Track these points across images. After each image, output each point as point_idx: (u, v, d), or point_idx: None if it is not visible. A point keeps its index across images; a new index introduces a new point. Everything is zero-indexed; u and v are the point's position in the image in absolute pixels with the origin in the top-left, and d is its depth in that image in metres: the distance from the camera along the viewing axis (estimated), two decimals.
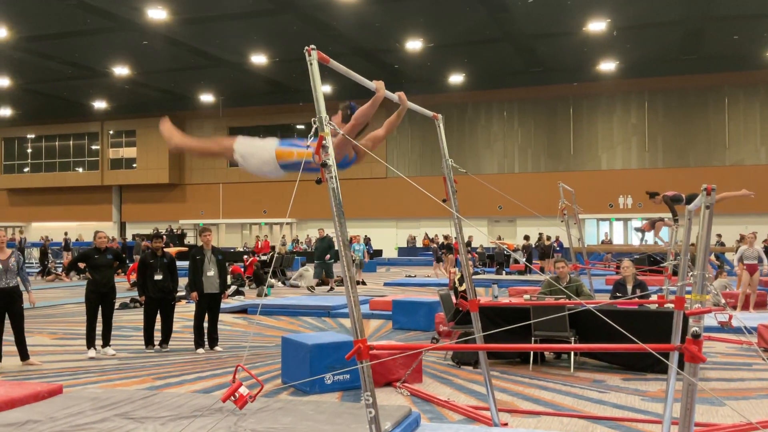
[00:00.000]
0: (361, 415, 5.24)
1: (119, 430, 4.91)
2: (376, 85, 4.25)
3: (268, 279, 19.79)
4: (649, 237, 21.51)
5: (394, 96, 4.58)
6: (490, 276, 22.34)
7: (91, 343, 9.22)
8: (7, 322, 8.49)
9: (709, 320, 9.37)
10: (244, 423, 5.04)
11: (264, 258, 24.13)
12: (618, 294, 9.28)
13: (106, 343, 9.36)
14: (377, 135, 4.61)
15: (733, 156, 34.41)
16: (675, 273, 11.26)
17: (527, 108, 37.57)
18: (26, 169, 46.99)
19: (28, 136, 46.69)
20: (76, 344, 10.15)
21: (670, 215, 11.69)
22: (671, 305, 7.16)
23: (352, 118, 4.23)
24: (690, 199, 11.62)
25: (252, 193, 42.07)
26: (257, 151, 4.52)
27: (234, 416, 5.19)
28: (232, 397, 3.22)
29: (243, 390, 3.24)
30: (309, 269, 21.84)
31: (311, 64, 3.63)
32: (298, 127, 41.54)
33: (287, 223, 42.51)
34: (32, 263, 30.95)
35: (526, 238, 27.53)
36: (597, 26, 26.62)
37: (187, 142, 4.88)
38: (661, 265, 13.63)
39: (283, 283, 21.73)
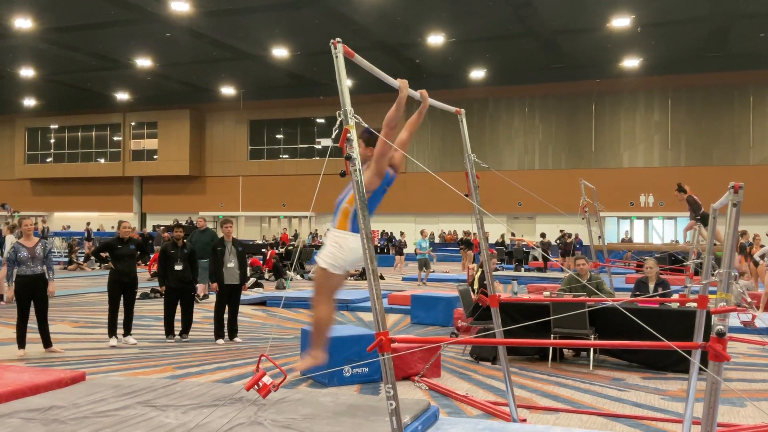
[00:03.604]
0: (379, 408, 5.26)
1: (141, 418, 4.96)
2: (400, 84, 4.27)
3: (288, 272, 19.86)
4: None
5: (416, 94, 4.58)
6: (509, 272, 22.27)
7: (112, 332, 9.33)
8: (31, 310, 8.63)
9: (730, 320, 9.27)
10: (264, 413, 5.08)
11: (281, 251, 24.27)
12: (638, 292, 9.22)
13: (127, 332, 9.46)
14: (402, 140, 4.64)
15: (758, 155, 33.96)
16: (697, 272, 11.18)
17: (549, 104, 37.33)
18: (49, 159, 47.50)
19: (52, 126, 47.19)
20: (98, 333, 10.28)
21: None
22: (693, 304, 7.11)
23: (384, 125, 4.25)
24: (704, 218, 11.48)
25: (271, 187, 42.23)
26: (335, 247, 4.32)
27: (254, 406, 5.22)
28: (256, 386, 3.24)
29: (266, 379, 3.26)
30: None
31: (336, 57, 3.63)
32: (319, 120, 41.62)
33: (306, 217, 42.65)
34: (54, 252, 31.27)
35: (542, 235, 27.43)
36: (621, 22, 26.37)
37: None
38: (683, 264, 13.51)
39: (302, 276, 21.83)
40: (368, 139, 4.39)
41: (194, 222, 40.03)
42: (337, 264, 4.29)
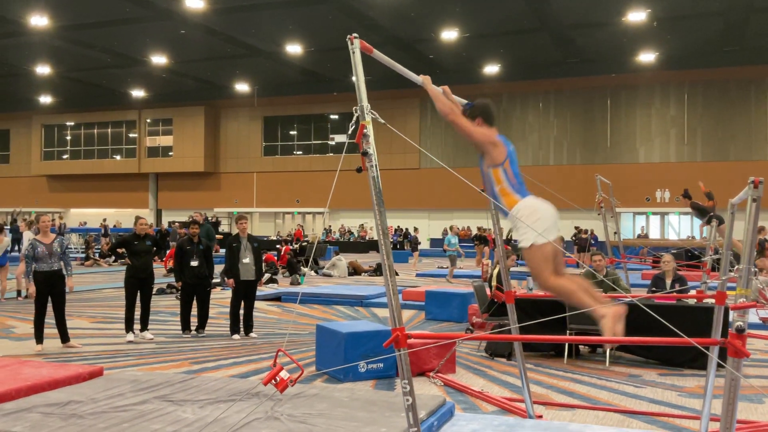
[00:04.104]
0: (395, 404, 5.26)
1: (159, 412, 5.00)
2: (423, 80, 4.28)
3: (302, 268, 19.92)
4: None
5: (439, 89, 4.60)
6: (523, 269, 22.19)
7: (129, 327, 9.40)
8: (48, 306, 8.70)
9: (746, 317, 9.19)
10: (281, 408, 5.10)
11: (296, 247, 24.33)
12: (654, 288, 9.16)
13: (144, 327, 9.53)
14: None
15: None
16: (714, 268, 11.09)
17: (564, 99, 37.15)
18: (65, 156, 47.88)
19: (68, 123, 47.56)
20: (115, 328, 10.36)
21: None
22: (710, 300, 7.06)
23: (446, 117, 4.21)
24: (720, 221, 11.36)
25: (285, 183, 42.34)
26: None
27: (271, 401, 5.24)
28: (273, 381, 3.25)
29: (284, 374, 3.27)
30: (342, 258, 21.96)
31: (354, 52, 3.62)
32: (332, 116, 41.65)
33: (320, 213, 42.74)
34: (71, 248, 31.52)
35: None
36: (637, 16, 26.18)
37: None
38: (700, 260, 13.40)
39: (316, 272, 21.88)
40: (470, 114, 4.34)
41: (208, 218, 40.27)
42: (540, 229, 3.90)
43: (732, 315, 3.33)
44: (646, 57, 32.13)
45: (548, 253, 3.94)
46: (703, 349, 3.37)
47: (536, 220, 3.93)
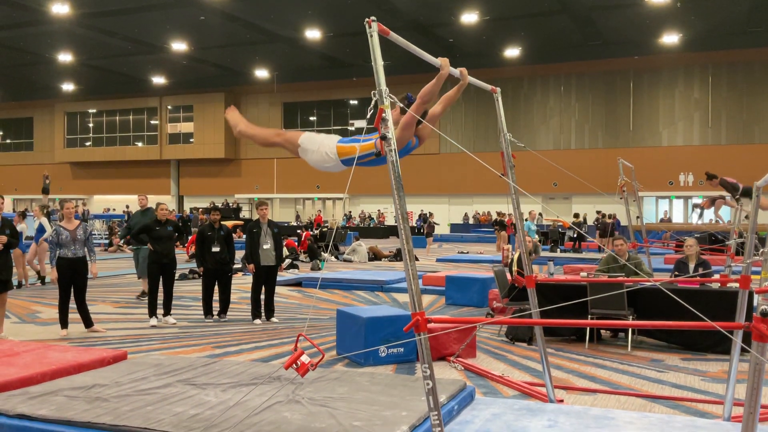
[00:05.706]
0: (415, 388, 5.28)
1: (182, 396, 5.05)
2: (442, 62, 4.23)
3: (323, 253, 19.98)
4: (708, 214, 20.87)
5: (456, 72, 4.55)
6: (544, 253, 22.09)
7: (152, 312, 9.50)
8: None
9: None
10: (302, 392, 5.13)
11: (316, 232, 24.41)
12: (677, 273, 9.07)
13: (167, 312, 9.62)
14: (434, 112, 4.57)
15: None
16: (738, 252, 10.95)
17: (585, 82, 36.76)
18: (88, 143, 48.31)
19: (90, 110, 47.94)
20: (138, 313, 10.48)
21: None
22: (734, 284, 6.98)
23: (418, 97, 4.20)
24: (746, 192, 11.14)
25: (306, 169, 42.13)
26: (320, 147, 4.43)
27: (292, 385, 5.28)
28: (294, 365, 3.27)
29: (305, 358, 3.28)
30: (362, 244, 21.99)
31: (371, 36, 3.59)
32: (352, 102, 41.58)
33: (340, 198, 42.79)
34: (95, 234, 31.87)
35: (576, 215, 27.09)
36: None
37: (251, 130, 4.86)
38: (724, 243, 13.24)
39: (336, 257, 21.94)
40: (408, 105, 4.33)
41: (230, 204, 40.51)
42: (308, 148, 4.43)
43: (757, 299, 3.29)
44: (670, 38, 31.64)
45: (291, 138, 4.56)
46: (727, 333, 3.33)
47: (318, 154, 4.42)
